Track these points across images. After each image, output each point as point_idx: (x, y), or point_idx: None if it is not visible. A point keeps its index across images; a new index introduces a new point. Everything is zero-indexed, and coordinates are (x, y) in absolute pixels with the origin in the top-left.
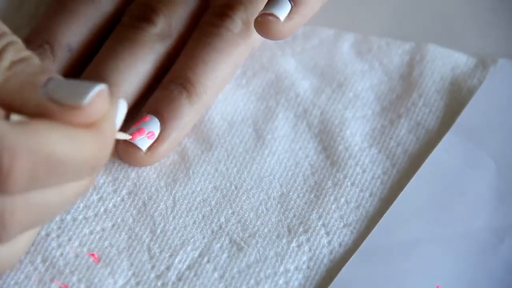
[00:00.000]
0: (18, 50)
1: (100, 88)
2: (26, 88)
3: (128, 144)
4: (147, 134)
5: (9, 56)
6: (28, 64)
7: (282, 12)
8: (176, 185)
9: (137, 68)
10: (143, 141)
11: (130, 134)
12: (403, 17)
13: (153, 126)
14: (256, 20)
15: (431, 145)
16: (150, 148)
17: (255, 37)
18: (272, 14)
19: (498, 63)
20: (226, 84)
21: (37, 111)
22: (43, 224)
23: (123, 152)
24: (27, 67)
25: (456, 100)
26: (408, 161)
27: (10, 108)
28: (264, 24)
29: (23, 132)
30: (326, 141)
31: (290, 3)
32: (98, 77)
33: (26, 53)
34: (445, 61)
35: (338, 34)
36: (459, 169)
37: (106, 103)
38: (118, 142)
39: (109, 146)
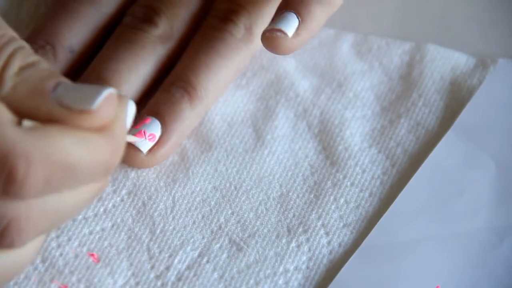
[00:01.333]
0: (26, 55)
1: (109, 91)
2: (35, 93)
3: (129, 145)
4: (148, 136)
5: (18, 62)
6: (36, 69)
7: (290, 28)
8: (175, 185)
9: (138, 70)
10: (144, 143)
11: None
12: (403, 17)
13: (154, 129)
14: (263, 35)
15: (431, 145)
16: (150, 150)
17: (257, 43)
18: (280, 30)
19: (497, 63)
20: (227, 88)
21: (47, 116)
22: (57, 227)
23: (124, 154)
24: (35, 72)
25: (456, 100)
26: (408, 161)
27: (20, 114)
28: (272, 39)
29: (37, 138)
30: (326, 141)
31: (298, 18)
32: (99, 78)
33: (34, 57)
34: (445, 61)
35: (338, 34)
36: (458, 169)
37: (114, 107)
38: None
39: (121, 148)
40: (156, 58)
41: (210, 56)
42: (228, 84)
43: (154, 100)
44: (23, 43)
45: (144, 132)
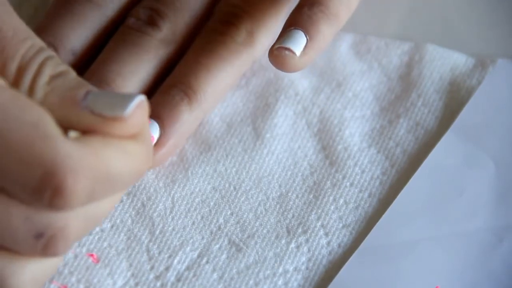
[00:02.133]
0: (56, 64)
1: (140, 98)
2: (66, 102)
3: None
4: None
5: (48, 71)
6: (66, 78)
7: (298, 46)
8: (175, 185)
9: (139, 73)
10: None
11: None
12: (402, 17)
13: (152, 130)
14: (271, 53)
15: (430, 145)
16: None
17: (258, 48)
18: (288, 49)
19: (497, 64)
20: (226, 92)
21: (79, 126)
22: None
23: None
24: (65, 81)
25: (455, 100)
26: (407, 161)
27: None
28: (280, 58)
29: (82, 150)
30: (325, 140)
31: (306, 36)
32: (101, 80)
33: (64, 67)
34: (444, 61)
35: (337, 34)
36: (458, 169)
37: (146, 113)
38: None
39: (151, 153)
40: (158, 61)
41: (211, 59)
42: (228, 88)
43: (154, 102)
44: (52, 53)
45: None
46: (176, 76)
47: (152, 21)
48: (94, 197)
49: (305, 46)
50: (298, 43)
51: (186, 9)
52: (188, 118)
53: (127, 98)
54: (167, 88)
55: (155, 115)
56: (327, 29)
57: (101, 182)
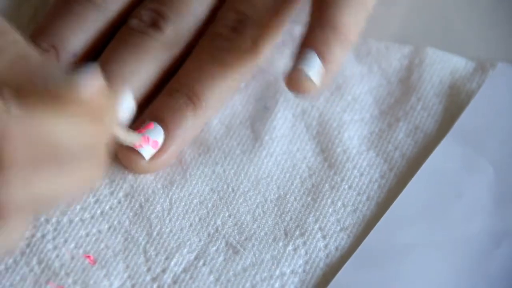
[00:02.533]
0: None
1: (91, 69)
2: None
3: (131, 150)
4: (152, 143)
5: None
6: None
7: (315, 71)
8: (173, 187)
9: (139, 73)
10: (147, 150)
11: (135, 144)
12: (402, 20)
13: (157, 135)
14: (289, 77)
15: (429, 149)
16: (152, 157)
17: (261, 55)
18: (306, 74)
19: (497, 67)
20: (230, 99)
21: (31, 92)
22: (42, 212)
23: (125, 158)
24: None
25: (454, 104)
26: (406, 165)
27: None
28: (298, 83)
29: (21, 116)
30: (324, 143)
31: (321, 60)
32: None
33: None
34: (444, 65)
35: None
36: (456, 173)
37: (98, 82)
38: (120, 147)
39: (108, 136)
40: (160, 63)
41: (217, 66)
42: (230, 95)
43: (158, 105)
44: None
45: (148, 138)
46: (181, 80)
47: (155, 23)
48: (36, 165)
49: (322, 70)
50: (314, 67)
51: (190, 13)
52: (192, 124)
53: (79, 69)
54: (171, 92)
55: (159, 119)
56: (340, 51)
57: (41, 149)
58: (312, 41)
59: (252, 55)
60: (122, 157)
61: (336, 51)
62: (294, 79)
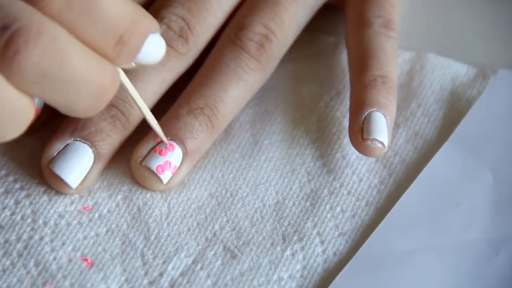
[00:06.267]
0: None
1: None
2: None
3: (152, 174)
4: (172, 168)
5: None
6: None
7: (386, 134)
8: (171, 191)
9: (157, 85)
10: (167, 175)
11: (156, 168)
12: (403, 26)
13: (177, 160)
14: (364, 143)
15: (429, 155)
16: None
17: (272, 69)
18: (381, 142)
19: (498, 74)
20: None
21: None
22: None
23: (143, 178)
24: None
25: (455, 110)
26: (405, 171)
27: None
28: (373, 150)
29: None
30: (323, 148)
31: (385, 118)
32: (117, 95)
33: None
34: (445, 71)
35: (337, 43)
36: (456, 180)
37: None
38: (138, 167)
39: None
40: (175, 76)
41: (240, 88)
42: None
43: (181, 123)
44: None
45: (169, 164)
46: (204, 97)
47: (183, 35)
48: (66, 13)
49: (388, 133)
50: (384, 132)
51: (213, 24)
52: (208, 145)
53: None
54: (195, 111)
55: (180, 140)
56: (395, 100)
57: None
58: (375, 100)
59: (266, 70)
60: (139, 175)
61: (395, 104)
62: (369, 148)
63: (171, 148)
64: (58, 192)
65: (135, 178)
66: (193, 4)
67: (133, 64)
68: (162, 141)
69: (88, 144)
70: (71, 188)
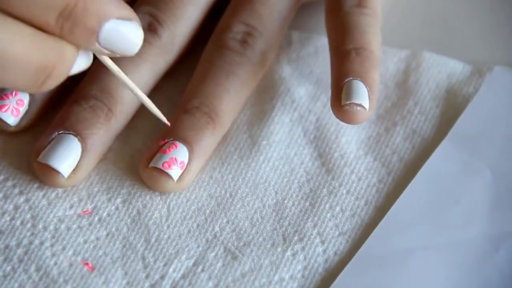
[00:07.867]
0: None
1: None
2: None
3: (159, 173)
4: (179, 164)
5: None
6: None
7: (365, 99)
8: (170, 193)
9: (136, 81)
10: (176, 171)
11: (163, 165)
12: (399, 25)
13: (183, 156)
14: (342, 108)
15: (427, 153)
16: (179, 177)
17: (267, 67)
18: (360, 105)
19: (493, 71)
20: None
21: None
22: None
23: (153, 180)
24: None
25: (452, 108)
26: (404, 169)
27: None
28: (352, 114)
29: None
30: (322, 147)
31: (366, 88)
32: (102, 90)
33: None
34: (441, 69)
35: None
36: (454, 177)
37: None
38: (146, 168)
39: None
40: (156, 70)
41: (232, 82)
42: (243, 105)
43: (179, 124)
44: None
45: (175, 160)
46: (200, 97)
47: (151, 28)
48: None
49: (369, 98)
50: (364, 95)
51: (185, 17)
52: (213, 141)
53: None
54: (191, 109)
55: (182, 139)
56: (376, 71)
57: None
58: (350, 69)
59: (263, 68)
60: (148, 178)
61: (373, 71)
62: (348, 113)
63: (174, 146)
64: (52, 186)
65: (147, 183)
66: (160, 2)
67: (105, 51)
68: (165, 143)
69: (72, 134)
70: (63, 176)
